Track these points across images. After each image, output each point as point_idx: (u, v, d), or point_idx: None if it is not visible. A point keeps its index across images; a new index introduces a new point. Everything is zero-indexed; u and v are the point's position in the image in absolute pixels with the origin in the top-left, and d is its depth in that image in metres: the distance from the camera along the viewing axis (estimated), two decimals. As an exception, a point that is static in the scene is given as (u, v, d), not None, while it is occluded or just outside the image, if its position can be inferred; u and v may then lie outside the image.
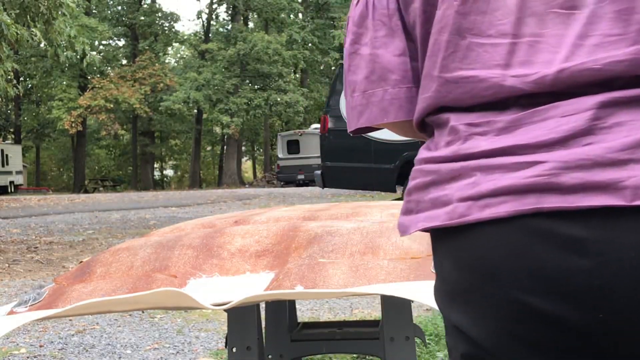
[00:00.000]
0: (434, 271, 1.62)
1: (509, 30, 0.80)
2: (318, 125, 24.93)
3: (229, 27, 37.82)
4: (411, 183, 0.85)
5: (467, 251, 0.78)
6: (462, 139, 0.80)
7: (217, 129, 40.14)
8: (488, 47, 0.80)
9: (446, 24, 0.83)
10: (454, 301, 0.81)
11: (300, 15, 40.29)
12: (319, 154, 13.15)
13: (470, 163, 0.78)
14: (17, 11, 10.08)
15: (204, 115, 36.84)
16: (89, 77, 35.11)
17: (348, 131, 0.98)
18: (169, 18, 38.82)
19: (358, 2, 0.94)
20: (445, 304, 0.84)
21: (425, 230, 0.82)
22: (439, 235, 0.82)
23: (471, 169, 0.78)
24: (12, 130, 42.00)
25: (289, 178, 27.79)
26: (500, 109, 0.79)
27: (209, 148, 48.55)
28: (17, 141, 38.69)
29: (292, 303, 2.91)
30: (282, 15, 36.62)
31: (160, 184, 45.69)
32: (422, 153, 0.86)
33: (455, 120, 0.82)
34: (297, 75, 39.01)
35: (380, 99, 0.90)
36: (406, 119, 0.91)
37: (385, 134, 5.59)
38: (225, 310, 1.73)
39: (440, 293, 0.85)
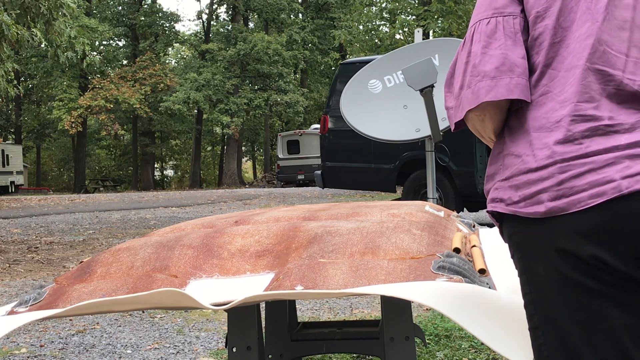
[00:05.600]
0: (434, 271, 1.62)
1: (624, 51, 1.19)
2: (318, 125, 24.95)
3: (229, 28, 37.82)
4: (563, 175, 1.16)
5: (632, 212, 1.11)
6: (603, 134, 1.14)
7: (217, 129, 40.13)
8: (613, 56, 1.19)
9: (591, 33, 1.20)
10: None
11: (300, 15, 40.28)
12: (319, 154, 13.14)
13: (621, 153, 1.13)
14: (18, 11, 10.08)
15: (204, 116, 36.82)
16: (89, 78, 35.11)
17: (465, 110, 1.27)
18: (169, 18, 38.81)
19: (489, 22, 1.29)
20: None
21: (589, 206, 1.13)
22: (596, 208, 1.12)
23: (622, 157, 1.13)
24: (12, 130, 42.02)
25: (289, 178, 27.77)
26: (625, 106, 1.16)
27: (209, 148, 48.55)
28: (17, 141, 38.70)
29: (292, 303, 2.91)
30: (282, 15, 36.61)
31: (161, 184, 45.69)
32: (564, 153, 1.16)
33: (594, 118, 1.16)
34: (297, 76, 38.98)
35: (507, 83, 1.24)
36: (523, 97, 1.24)
37: (385, 134, 5.57)
38: (225, 310, 1.73)
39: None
